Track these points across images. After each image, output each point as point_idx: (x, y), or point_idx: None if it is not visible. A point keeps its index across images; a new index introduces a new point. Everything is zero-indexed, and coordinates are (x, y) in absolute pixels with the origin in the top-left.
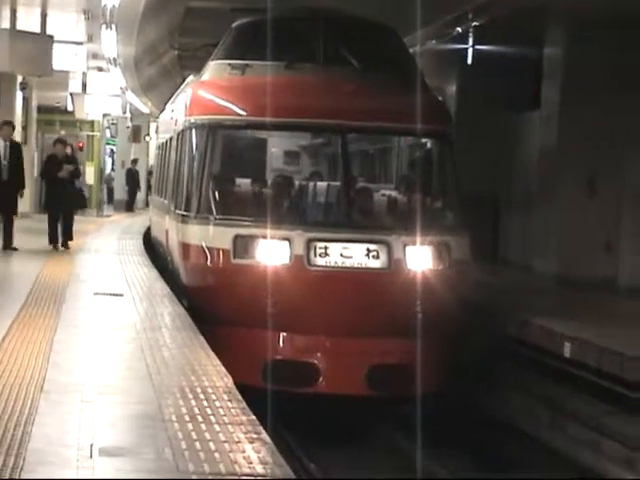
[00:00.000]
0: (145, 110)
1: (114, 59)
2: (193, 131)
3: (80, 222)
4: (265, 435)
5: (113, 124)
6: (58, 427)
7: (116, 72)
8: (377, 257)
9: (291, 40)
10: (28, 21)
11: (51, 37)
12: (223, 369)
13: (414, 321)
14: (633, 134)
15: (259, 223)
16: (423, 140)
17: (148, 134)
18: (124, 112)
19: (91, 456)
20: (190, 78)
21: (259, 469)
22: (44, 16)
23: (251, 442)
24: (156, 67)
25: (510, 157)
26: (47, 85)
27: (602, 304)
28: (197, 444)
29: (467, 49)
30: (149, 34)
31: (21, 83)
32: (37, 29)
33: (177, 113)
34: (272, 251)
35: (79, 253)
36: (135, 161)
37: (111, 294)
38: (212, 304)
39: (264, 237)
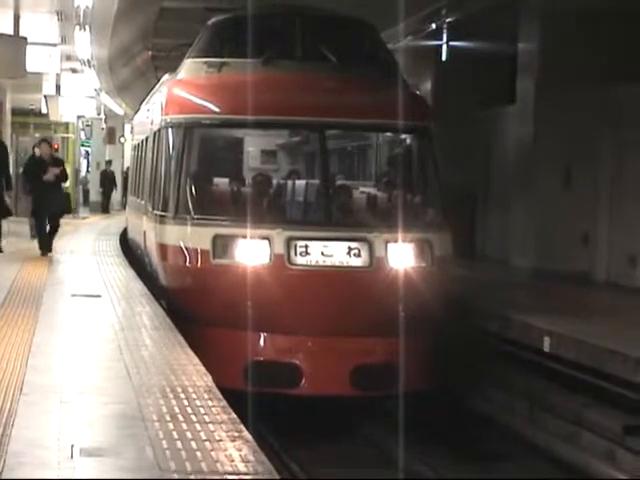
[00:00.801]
0: (120, 111)
1: (88, 60)
2: (170, 130)
3: None
4: (247, 433)
5: (88, 126)
6: (38, 429)
7: (90, 73)
8: (358, 255)
9: (268, 37)
10: (1, 23)
11: (24, 39)
12: (203, 368)
13: (397, 319)
14: (608, 127)
15: (238, 222)
16: (403, 136)
17: (123, 135)
18: (98, 114)
19: (72, 457)
20: (165, 77)
21: (241, 467)
22: (17, 17)
23: (233, 440)
24: (130, 68)
25: (486, 152)
26: (21, 87)
27: (579, 298)
28: (178, 443)
29: (442, 45)
30: (123, 35)
31: None
32: (10, 31)
33: (153, 113)
34: (252, 251)
35: (56, 255)
36: (110, 162)
37: (89, 295)
38: (192, 305)
39: (244, 236)
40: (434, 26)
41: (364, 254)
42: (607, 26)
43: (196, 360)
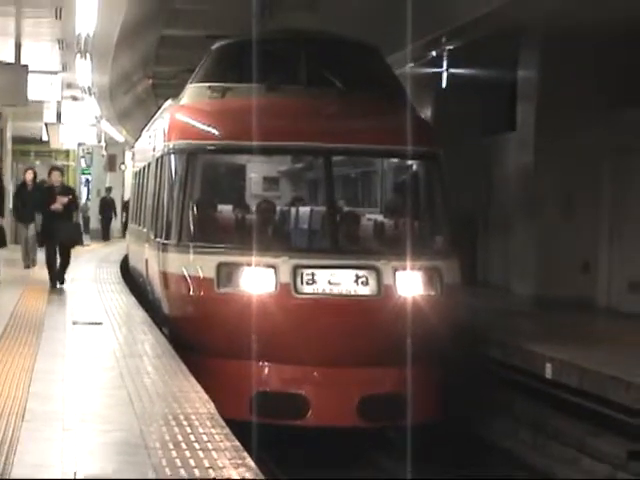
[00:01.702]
0: (120, 139)
1: (89, 88)
2: (173, 156)
3: None
4: (250, 460)
5: (88, 153)
6: (40, 455)
7: (91, 101)
8: (366, 283)
9: (272, 61)
10: (2, 51)
11: (25, 67)
12: (205, 395)
13: (406, 349)
14: (609, 153)
15: (243, 250)
16: (412, 162)
17: (123, 163)
18: (99, 141)
19: None
20: (168, 102)
21: None
22: (18, 46)
23: (236, 467)
24: (131, 96)
25: (487, 179)
26: (22, 115)
27: (580, 325)
28: (182, 471)
29: (442, 72)
30: (124, 63)
31: None
32: (11, 59)
33: (155, 139)
34: (257, 279)
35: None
36: (109, 189)
37: (90, 323)
38: (195, 335)
39: (249, 264)
40: (434, 53)
41: (372, 282)
42: (607, 52)
43: (198, 387)
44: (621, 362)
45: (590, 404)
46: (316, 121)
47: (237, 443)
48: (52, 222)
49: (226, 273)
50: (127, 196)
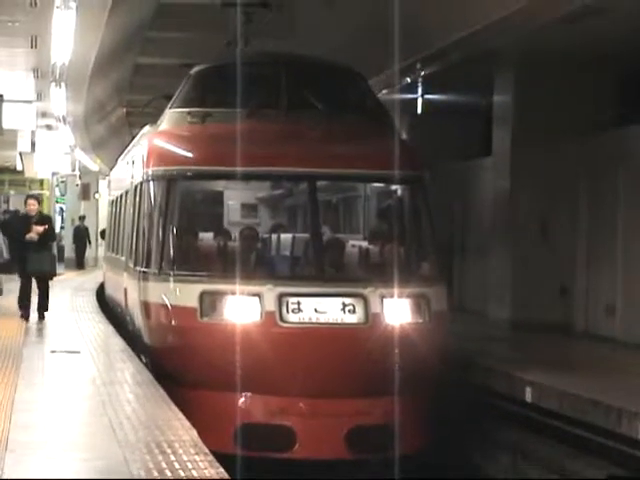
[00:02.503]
0: (94, 168)
1: (63, 117)
2: (152, 183)
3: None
4: None
5: (62, 182)
6: None
7: (65, 130)
8: (353, 312)
9: (252, 86)
10: None
11: (0, 96)
12: (187, 423)
13: (394, 379)
14: (584, 177)
15: (226, 278)
16: (397, 187)
17: (97, 191)
18: (73, 170)
19: None
20: (146, 129)
21: None
22: None
23: None
24: (105, 124)
25: (463, 204)
26: None
27: (557, 348)
28: None
29: (417, 98)
30: (98, 91)
31: None
32: None
33: (133, 166)
34: (241, 308)
35: (34, 312)
36: (83, 218)
37: (68, 351)
38: (178, 366)
39: (232, 293)
40: (409, 80)
41: (359, 310)
42: (580, 76)
43: (180, 415)
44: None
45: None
46: (300, 146)
47: (221, 470)
48: (27, 252)
49: (209, 302)
50: (102, 225)
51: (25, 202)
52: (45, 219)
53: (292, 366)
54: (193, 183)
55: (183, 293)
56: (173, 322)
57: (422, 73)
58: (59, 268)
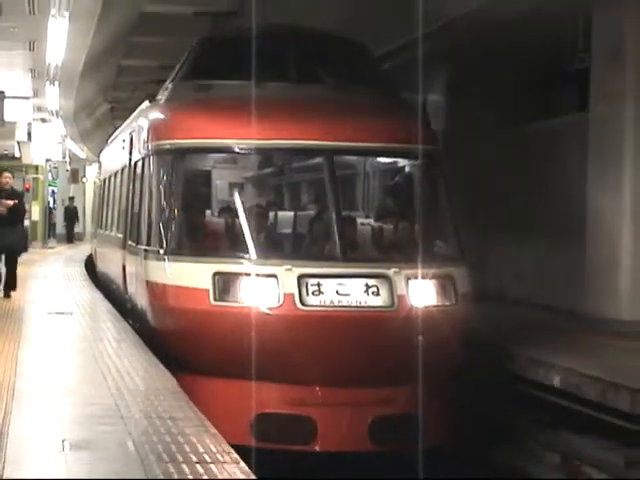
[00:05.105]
0: (82, 155)
1: (56, 111)
2: (157, 158)
3: (28, 253)
4: (210, 427)
5: (54, 168)
6: (31, 427)
7: (57, 123)
8: (377, 294)
9: (259, 58)
10: None
11: (2, 93)
12: (166, 372)
13: (420, 366)
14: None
15: (241, 258)
16: (418, 161)
17: (84, 176)
18: (64, 157)
19: (63, 449)
20: (145, 104)
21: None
22: None
23: (199, 434)
24: (91, 118)
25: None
26: None
27: None
28: (154, 437)
29: None
30: (86, 89)
31: None
32: None
33: (131, 143)
34: (258, 290)
35: (32, 279)
36: (72, 199)
37: (62, 313)
38: (188, 352)
39: (248, 274)
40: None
41: (383, 292)
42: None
43: (160, 365)
44: None
45: None
46: (316, 118)
47: (200, 415)
48: None
49: (223, 283)
50: (88, 205)
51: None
52: (16, 194)
53: (314, 352)
54: (206, 157)
55: (194, 274)
56: (182, 305)
57: None
58: (51, 242)
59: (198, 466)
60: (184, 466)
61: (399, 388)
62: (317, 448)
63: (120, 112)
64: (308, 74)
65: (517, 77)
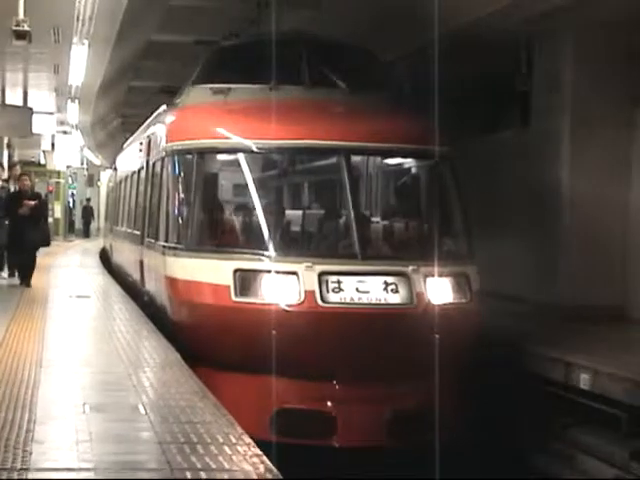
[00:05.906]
0: (97, 162)
1: (76, 125)
2: (178, 157)
3: (51, 246)
4: (211, 398)
5: (74, 173)
6: (56, 392)
7: (77, 134)
8: (396, 291)
9: (274, 63)
10: (14, 97)
11: (31, 109)
12: (169, 345)
13: (438, 362)
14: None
15: (262, 255)
16: (432, 162)
17: (99, 180)
18: (82, 164)
19: (84, 411)
20: (162, 108)
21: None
22: (25, 93)
23: (200, 400)
24: (105, 131)
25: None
26: (25, 144)
27: None
28: (160, 402)
29: None
30: (101, 106)
31: (7, 144)
32: (20, 103)
33: (149, 144)
34: (279, 287)
35: (54, 268)
36: (89, 199)
37: (81, 296)
38: (209, 347)
39: (269, 271)
40: None
41: (402, 290)
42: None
43: (163, 339)
44: None
45: None
46: (332, 120)
47: (204, 387)
48: (17, 227)
49: (244, 280)
50: (102, 205)
51: (18, 179)
52: (36, 195)
53: (334, 349)
54: (226, 157)
55: (215, 270)
56: (203, 300)
57: None
58: (70, 237)
59: (200, 426)
60: (186, 426)
61: (417, 384)
62: (335, 443)
63: (129, 125)
64: (321, 78)
65: (468, 94)
